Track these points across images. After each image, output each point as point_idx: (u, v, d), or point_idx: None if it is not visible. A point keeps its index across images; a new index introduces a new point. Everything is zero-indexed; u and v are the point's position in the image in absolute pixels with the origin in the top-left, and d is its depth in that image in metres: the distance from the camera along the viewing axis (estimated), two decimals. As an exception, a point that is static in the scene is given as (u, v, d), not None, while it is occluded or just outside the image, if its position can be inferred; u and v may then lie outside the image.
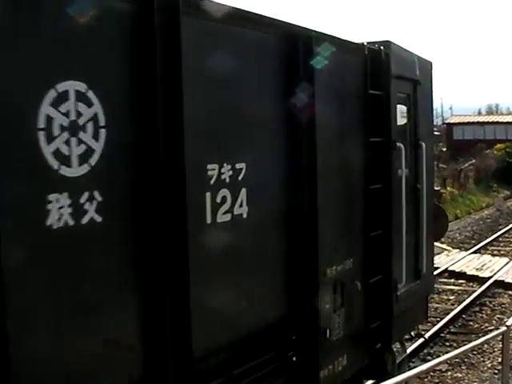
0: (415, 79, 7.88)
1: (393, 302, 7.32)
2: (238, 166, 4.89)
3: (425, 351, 10.53)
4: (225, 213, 4.79)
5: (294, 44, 5.43)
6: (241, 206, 4.94)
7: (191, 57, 4.35)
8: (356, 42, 6.52)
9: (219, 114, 4.73)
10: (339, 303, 6.39)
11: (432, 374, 9.61)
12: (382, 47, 6.93)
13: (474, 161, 37.08)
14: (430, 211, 8.36)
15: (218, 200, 4.72)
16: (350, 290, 6.56)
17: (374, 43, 6.98)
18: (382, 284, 7.10)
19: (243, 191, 4.95)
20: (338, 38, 6.11)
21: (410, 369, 8.56)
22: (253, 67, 5.09)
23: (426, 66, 8.36)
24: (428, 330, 10.98)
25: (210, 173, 4.64)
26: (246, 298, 5.03)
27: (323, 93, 5.82)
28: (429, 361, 9.26)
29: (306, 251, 5.64)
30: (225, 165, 4.77)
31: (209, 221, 4.64)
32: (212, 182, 4.66)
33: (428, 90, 8.40)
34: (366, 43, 6.62)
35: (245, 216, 4.98)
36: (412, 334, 9.13)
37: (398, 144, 7.28)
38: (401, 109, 7.67)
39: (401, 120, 7.71)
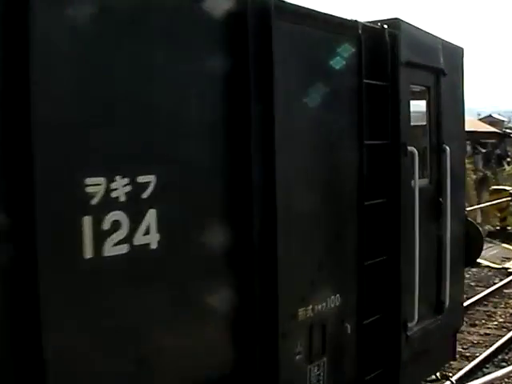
0: (438, 68, 6.37)
1: (401, 344, 5.88)
2: (141, 179, 3.59)
3: (499, 357, 9.73)
4: (118, 243, 3.50)
5: (240, 15, 4.08)
6: (147, 233, 3.64)
7: (52, 25, 3.11)
8: (345, 17, 5.10)
9: (107, 107, 3.44)
10: (318, 351, 5.01)
11: (507, 380, 8.75)
12: (385, 26, 5.48)
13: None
14: (457, 230, 6.83)
15: (106, 226, 3.43)
16: (335, 334, 5.16)
17: (376, 22, 5.56)
18: (384, 324, 5.67)
19: (151, 213, 3.65)
20: (315, 11, 4.71)
21: (485, 375, 8.13)
22: (171, 46, 3.77)
23: (455, 53, 6.81)
24: (503, 336, 10.34)
25: (90, 189, 3.36)
26: (156, 360, 3.73)
27: (288, 81, 4.47)
28: (504, 367, 8.78)
29: (258, 290, 4.29)
30: (117, 178, 3.47)
31: (89, 255, 3.36)
32: (94, 201, 3.38)
33: (457, 82, 6.85)
34: (360, 21, 5.18)
35: (154, 246, 3.68)
36: (437, 375, 7.64)
37: (409, 148, 5.82)
38: (417, 105, 6.20)
39: (417, 118, 6.24)
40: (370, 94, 5.34)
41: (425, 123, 6.38)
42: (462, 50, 6.94)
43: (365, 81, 5.16)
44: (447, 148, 6.44)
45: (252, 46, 4.11)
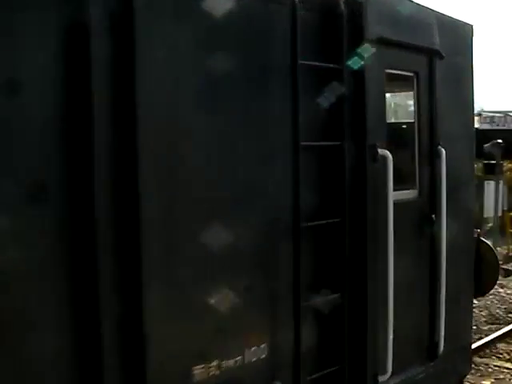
0: (431, 49, 4.99)
1: (368, 404, 4.58)
2: None
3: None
4: None
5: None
6: None
7: None
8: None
9: None
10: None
11: None
12: (341, -9, 4.18)
13: None
14: (461, 254, 5.45)
15: None
16: (258, 397, 3.93)
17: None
18: (345, 378, 4.40)
19: None
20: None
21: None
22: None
23: (459, 31, 5.40)
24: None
25: None
26: None
27: (165, 64, 3.27)
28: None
29: (110, 343, 3.11)
30: None
31: None
32: None
33: (462, 67, 5.43)
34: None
35: None
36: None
37: (380, 152, 4.50)
38: (398, 95, 4.88)
39: (400, 112, 4.91)
40: (318, 79, 4.07)
41: (413, 118, 5.04)
42: (470, 27, 5.52)
43: (301, 62, 3.87)
44: (443, 151, 5.06)
45: (94, 16, 2.91)
